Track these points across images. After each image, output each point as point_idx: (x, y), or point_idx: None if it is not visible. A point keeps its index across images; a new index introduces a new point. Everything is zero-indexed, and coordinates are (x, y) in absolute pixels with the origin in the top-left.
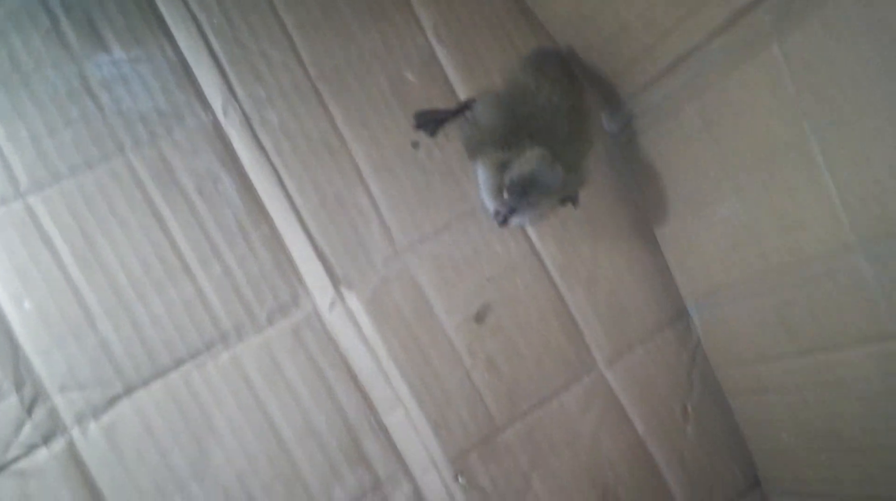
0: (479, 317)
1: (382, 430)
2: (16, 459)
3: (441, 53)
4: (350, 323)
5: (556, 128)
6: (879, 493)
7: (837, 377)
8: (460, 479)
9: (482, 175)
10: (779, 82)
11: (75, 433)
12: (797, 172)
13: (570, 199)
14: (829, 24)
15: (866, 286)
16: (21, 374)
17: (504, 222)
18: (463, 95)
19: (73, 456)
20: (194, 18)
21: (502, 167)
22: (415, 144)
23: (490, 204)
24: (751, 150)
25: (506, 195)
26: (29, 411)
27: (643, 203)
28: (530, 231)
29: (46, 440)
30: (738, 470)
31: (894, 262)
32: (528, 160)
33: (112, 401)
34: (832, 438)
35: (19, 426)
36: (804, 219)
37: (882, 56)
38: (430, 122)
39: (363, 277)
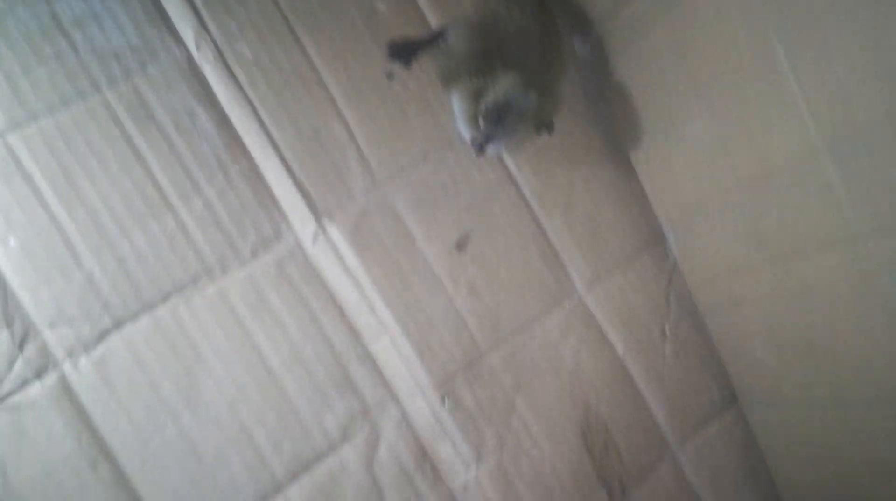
0: (460, 245)
1: (369, 358)
2: (9, 394)
3: None
4: (333, 254)
5: (528, 53)
6: (850, 395)
7: (807, 284)
8: (446, 402)
9: (457, 104)
10: None
11: (67, 367)
12: (764, 83)
13: (545, 126)
14: None
15: (833, 189)
16: (10, 311)
17: (480, 150)
18: (435, 23)
19: (66, 390)
20: None
21: (477, 95)
22: (389, 75)
23: (466, 133)
24: (719, 65)
25: (481, 123)
26: (20, 347)
27: (617, 127)
28: (507, 159)
29: (39, 374)
30: (715, 387)
31: (858, 163)
32: (502, 86)
33: (101, 335)
34: (803, 345)
35: (11, 362)
36: (772, 128)
37: None
38: (404, 52)
39: (343, 208)
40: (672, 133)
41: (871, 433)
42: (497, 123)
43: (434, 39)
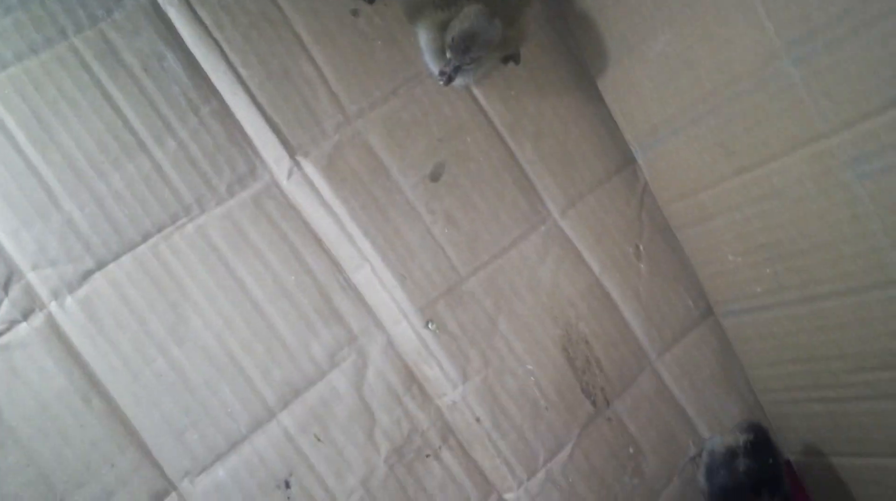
0: (434, 176)
1: (351, 287)
2: None
3: None
4: (309, 189)
5: None
6: (819, 290)
7: (774, 187)
8: (430, 325)
9: (423, 37)
10: None
11: (53, 307)
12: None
13: (512, 57)
14: None
15: (794, 90)
16: None
17: (448, 81)
18: None
19: (54, 329)
20: None
21: (442, 27)
22: (354, 12)
23: (433, 65)
24: None
25: (448, 53)
26: (5, 289)
27: (582, 55)
28: (476, 92)
29: (26, 315)
30: (690, 299)
31: (817, 61)
32: (467, 16)
33: (85, 275)
34: (773, 247)
35: None
36: (733, 37)
37: None
38: None
39: (317, 144)
40: (636, 54)
41: (840, 324)
42: (464, 52)
43: None
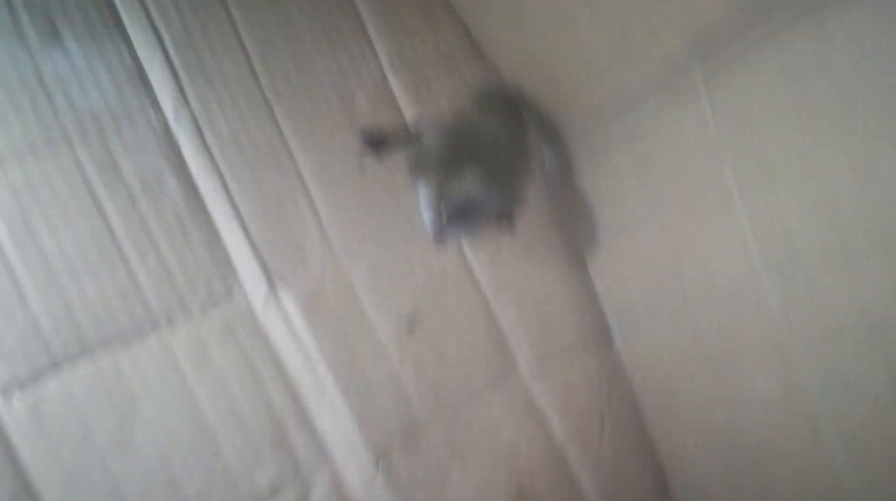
0: (410, 322)
1: (307, 419)
2: None
3: (393, 82)
4: (282, 319)
5: (497, 154)
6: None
7: (738, 388)
8: (381, 464)
9: (422, 193)
10: (705, 131)
11: None
12: (715, 205)
13: (505, 216)
14: (755, 84)
15: (768, 304)
16: None
17: (441, 239)
18: (410, 117)
19: None
20: (152, 23)
21: (442, 186)
22: (360, 160)
23: (428, 221)
24: (675, 186)
25: (444, 213)
26: None
27: (575, 228)
28: (466, 247)
29: None
30: (649, 477)
31: (795, 283)
32: (468, 182)
33: (38, 375)
34: (733, 448)
35: None
36: (717, 246)
37: (799, 116)
38: (377, 141)
39: (299, 276)
40: (626, 240)
41: None
42: (459, 215)
43: (407, 133)
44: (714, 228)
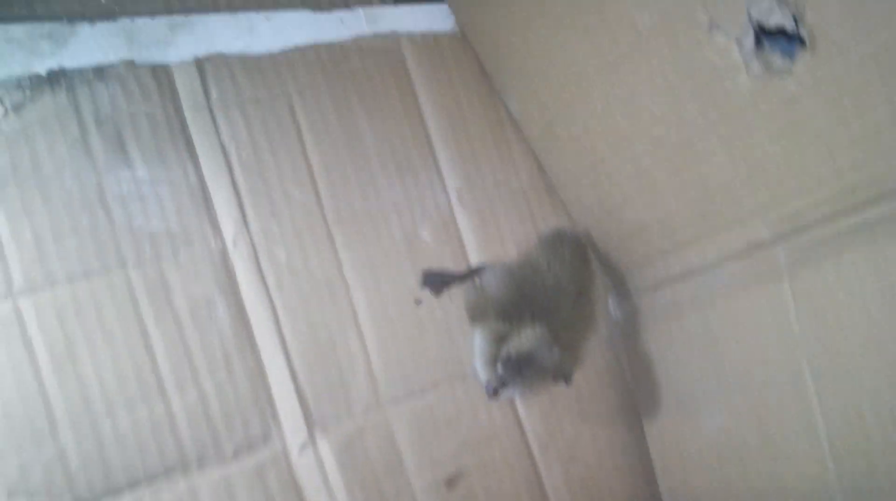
0: (451, 483)
1: None
2: None
3: (460, 216)
4: (317, 468)
5: (560, 308)
6: None
7: None
8: None
9: (479, 343)
10: (784, 317)
11: None
12: (791, 408)
13: (563, 376)
14: (843, 278)
15: None
16: None
17: (494, 393)
18: (475, 260)
19: None
20: (223, 147)
21: (500, 339)
22: (417, 301)
23: (482, 373)
24: (747, 372)
25: (499, 368)
26: None
27: (636, 393)
28: (517, 402)
29: None
30: None
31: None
32: (527, 338)
33: None
34: None
35: None
36: (792, 453)
37: (890, 320)
38: (438, 282)
39: (339, 422)
40: (690, 419)
41: None
42: (516, 372)
43: (470, 276)
44: (788, 429)
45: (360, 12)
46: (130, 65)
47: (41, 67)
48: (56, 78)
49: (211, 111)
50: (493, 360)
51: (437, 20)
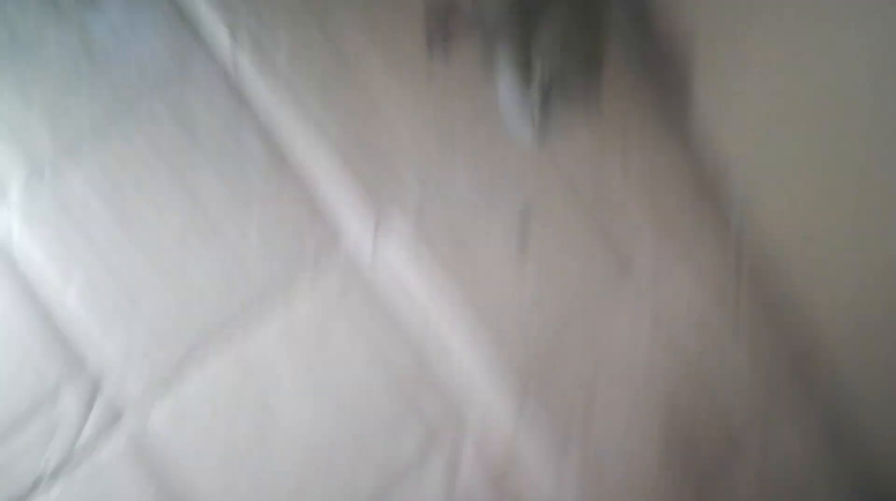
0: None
1: (439, 371)
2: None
3: None
4: (394, 252)
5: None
6: None
7: None
8: (523, 404)
9: (505, 80)
10: None
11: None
12: None
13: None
14: None
15: None
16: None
17: (539, 131)
18: None
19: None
20: None
21: (525, 69)
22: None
23: (519, 113)
24: None
25: (537, 96)
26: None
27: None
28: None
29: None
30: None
31: None
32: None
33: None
34: None
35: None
36: None
37: None
38: (440, 30)
39: (402, 202)
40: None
41: None
42: (549, 92)
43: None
44: None
45: None
46: None
47: None
48: None
49: None
50: (525, 91)
51: None
